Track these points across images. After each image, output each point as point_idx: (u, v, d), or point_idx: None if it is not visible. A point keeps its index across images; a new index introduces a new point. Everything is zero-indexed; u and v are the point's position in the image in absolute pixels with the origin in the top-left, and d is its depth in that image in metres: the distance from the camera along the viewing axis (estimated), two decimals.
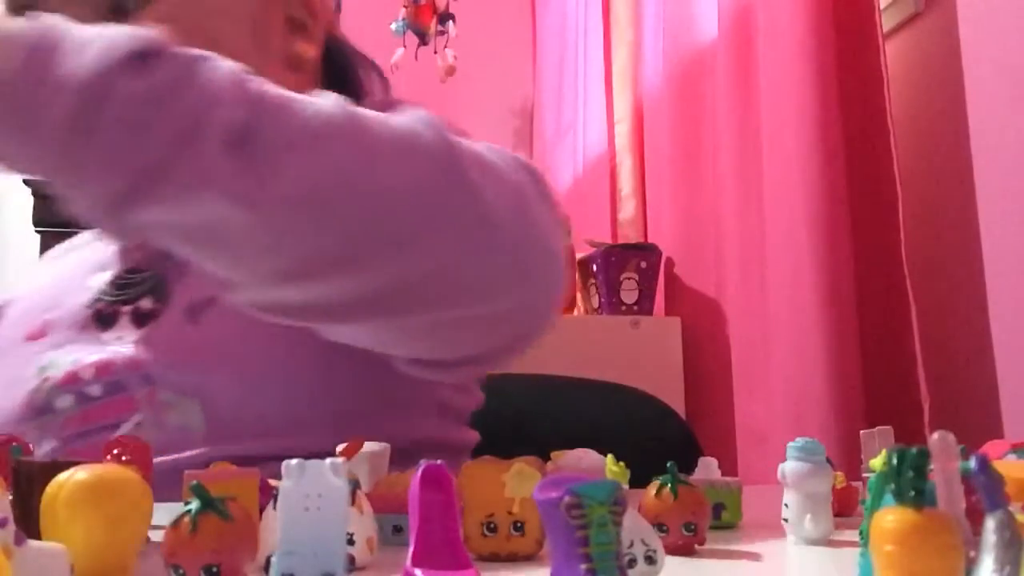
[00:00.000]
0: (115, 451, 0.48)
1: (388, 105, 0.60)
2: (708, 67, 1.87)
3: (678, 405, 1.73)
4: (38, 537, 0.34)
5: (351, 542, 0.40)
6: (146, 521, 0.37)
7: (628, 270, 1.98)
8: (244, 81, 0.52)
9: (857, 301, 1.36)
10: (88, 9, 0.65)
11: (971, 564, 0.29)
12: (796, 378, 1.40)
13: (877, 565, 0.29)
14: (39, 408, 0.68)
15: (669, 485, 0.46)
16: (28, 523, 0.37)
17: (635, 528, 0.39)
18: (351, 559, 0.40)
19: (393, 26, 2.14)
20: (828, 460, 0.51)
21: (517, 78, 2.96)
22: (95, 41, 0.49)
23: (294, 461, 0.30)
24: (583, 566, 0.28)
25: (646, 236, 2.19)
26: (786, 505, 0.51)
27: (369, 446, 0.52)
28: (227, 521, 0.32)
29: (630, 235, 2.20)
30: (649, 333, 1.93)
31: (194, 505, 0.32)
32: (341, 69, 0.84)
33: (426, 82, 2.04)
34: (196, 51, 0.52)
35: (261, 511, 0.41)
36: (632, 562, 0.38)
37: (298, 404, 0.66)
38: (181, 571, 0.32)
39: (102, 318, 0.73)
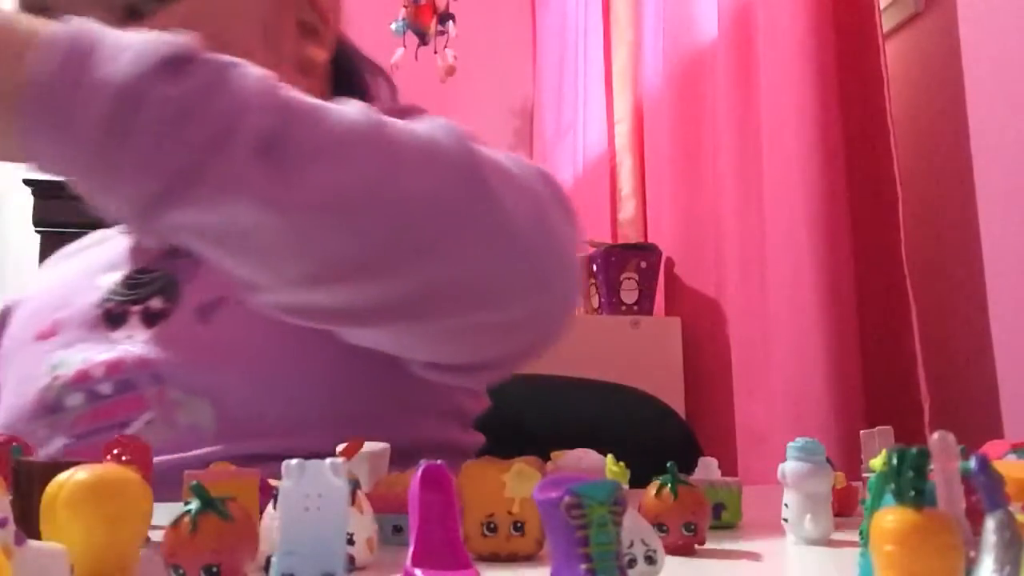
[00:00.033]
0: (115, 451, 0.48)
1: (403, 111, 0.61)
2: (708, 67, 1.87)
3: (678, 405, 1.73)
4: (38, 537, 0.34)
5: (351, 542, 0.40)
6: (146, 521, 0.37)
7: (628, 270, 1.98)
8: (273, 88, 0.53)
9: (857, 301, 1.36)
10: (102, 12, 0.65)
11: (971, 564, 0.29)
12: (796, 378, 1.40)
13: (877, 565, 0.29)
14: (49, 406, 0.69)
15: (669, 485, 0.46)
16: (28, 523, 0.37)
17: (635, 528, 0.39)
18: (351, 559, 0.40)
19: (393, 26, 2.14)
20: (828, 460, 0.51)
21: (517, 78, 2.96)
22: (130, 46, 0.50)
23: (294, 461, 0.30)
24: (583, 566, 0.28)
25: (646, 236, 2.19)
26: (786, 505, 0.51)
27: (369, 446, 0.52)
28: (227, 521, 0.32)
29: (630, 235, 2.20)
30: (649, 333, 1.93)
31: (194, 505, 0.32)
32: (348, 74, 0.85)
33: (426, 82, 2.04)
34: (226, 58, 0.53)
35: (261, 511, 0.41)
36: (632, 562, 0.38)
37: (308, 404, 0.67)
38: (181, 571, 0.32)
39: (112, 317, 0.73)
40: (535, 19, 2.98)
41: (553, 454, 0.54)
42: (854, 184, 1.39)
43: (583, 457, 0.53)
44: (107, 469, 0.36)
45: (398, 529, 0.48)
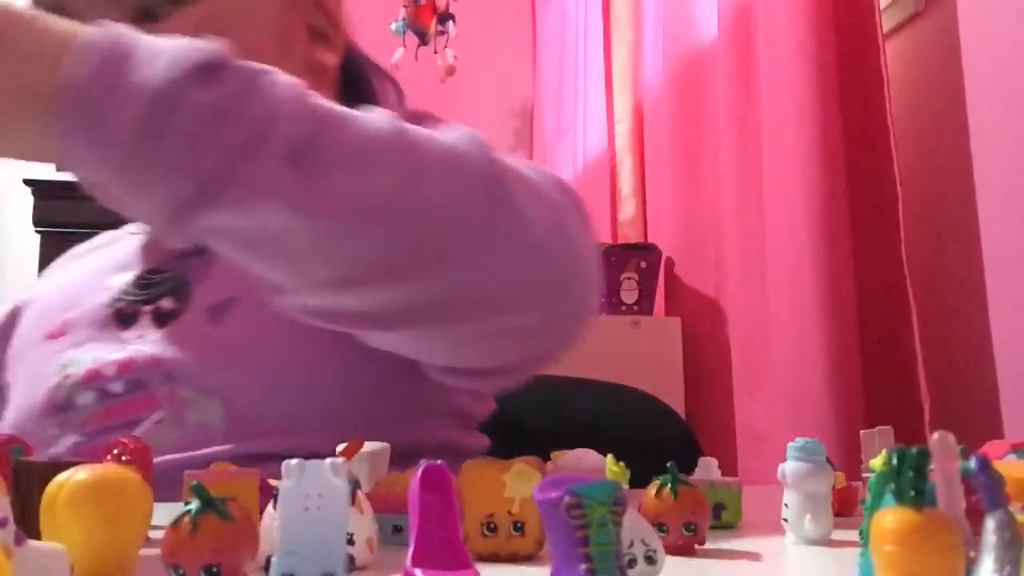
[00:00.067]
0: (115, 451, 0.48)
1: (417, 117, 0.62)
2: (708, 67, 1.87)
3: (678, 405, 1.73)
4: (38, 537, 0.34)
5: (351, 542, 0.40)
6: (146, 521, 0.37)
7: (628, 270, 1.98)
8: (303, 95, 0.54)
9: (857, 301, 1.36)
10: (116, 13, 0.66)
11: (971, 564, 0.29)
12: (796, 378, 1.40)
13: (877, 565, 0.29)
14: (60, 405, 0.69)
15: (669, 485, 0.46)
16: (28, 523, 0.37)
17: (635, 528, 0.39)
18: (351, 559, 0.40)
19: (393, 26, 2.14)
20: (828, 460, 0.51)
21: (517, 78, 2.96)
22: (164, 51, 0.51)
23: (294, 461, 0.30)
24: (583, 566, 0.28)
25: (646, 236, 2.19)
26: (786, 505, 0.51)
27: (369, 446, 0.52)
28: (227, 521, 0.32)
29: (630, 235, 2.20)
30: (649, 333, 1.93)
31: (194, 505, 0.32)
32: (356, 79, 0.85)
33: (426, 82, 2.04)
34: (257, 65, 0.54)
35: (261, 511, 0.41)
36: (632, 562, 0.38)
37: (317, 404, 0.67)
38: (181, 571, 0.32)
39: (122, 317, 0.74)
40: (535, 19, 2.98)
41: (553, 454, 0.54)
42: (854, 184, 1.39)
43: (583, 457, 0.53)
44: (107, 469, 0.36)
45: (398, 529, 0.48)
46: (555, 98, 2.72)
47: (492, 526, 0.43)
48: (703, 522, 0.46)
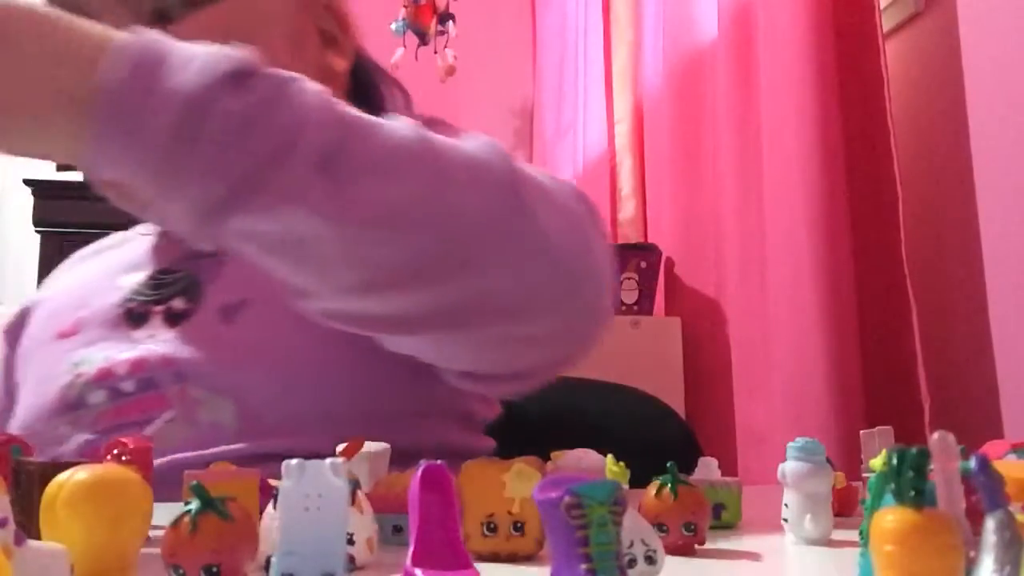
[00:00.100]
0: (115, 451, 0.48)
1: (429, 123, 0.63)
2: (708, 67, 1.87)
3: (678, 405, 1.73)
4: (38, 537, 0.34)
5: (351, 542, 0.40)
6: (146, 521, 0.37)
7: (628, 270, 1.98)
8: (330, 103, 0.55)
9: (857, 301, 1.36)
10: (130, 14, 0.67)
11: (971, 564, 0.29)
12: (796, 378, 1.40)
13: (877, 565, 0.29)
14: (72, 403, 0.70)
15: (669, 485, 0.46)
16: (28, 523, 0.37)
17: (635, 528, 0.39)
18: (351, 559, 0.40)
19: (393, 26, 2.14)
20: (828, 460, 0.51)
21: (517, 78, 2.96)
22: (196, 58, 0.52)
23: (294, 461, 0.30)
24: (583, 566, 0.28)
25: (646, 236, 2.19)
26: (786, 505, 0.51)
27: (369, 446, 0.52)
28: (227, 521, 0.32)
29: (630, 235, 2.20)
30: (649, 333, 1.93)
31: (194, 505, 0.32)
32: (364, 84, 0.86)
33: (426, 82, 2.04)
34: (285, 72, 0.55)
35: (261, 511, 0.41)
36: (632, 562, 0.39)
37: (331, 404, 0.68)
38: (181, 571, 0.32)
39: (134, 317, 0.74)
40: (535, 19, 2.98)
41: (553, 454, 0.54)
42: (854, 184, 1.39)
43: (583, 457, 0.53)
44: (107, 469, 0.36)
45: (398, 529, 0.48)
46: (555, 98, 2.72)
47: (492, 526, 0.43)
48: (703, 522, 0.46)
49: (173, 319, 0.73)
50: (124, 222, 0.87)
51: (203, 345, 0.69)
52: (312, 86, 0.55)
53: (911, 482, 0.29)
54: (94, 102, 0.50)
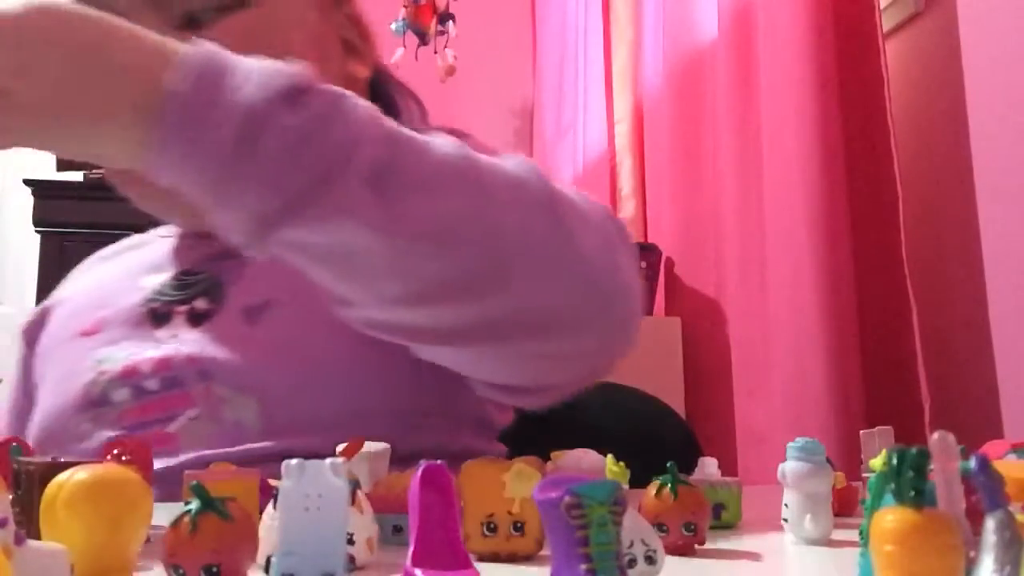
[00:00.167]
0: (115, 451, 0.48)
1: (456, 135, 0.64)
2: (708, 67, 1.87)
3: (678, 405, 1.73)
4: (38, 537, 0.34)
5: (351, 542, 0.40)
6: (146, 521, 0.37)
7: None
8: (380, 119, 0.57)
9: (857, 301, 1.36)
10: (161, 20, 0.67)
11: (971, 564, 0.29)
12: (796, 378, 1.40)
13: (877, 565, 0.29)
14: (95, 400, 0.70)
15: (669, 485, 0.46)
16: (28, 523, 0.37)
17: (635, 528, 0.39)
18: (351, 559, 0.40)
19: (393, 26, 2.14)
20: (828, 460, 0.51)
21: (517, 78, 2.96)
22: (255, 72, 0.53)
23: (294, 461, 0.30)
24: (583, 566, 0.28)
25: (646, 236, 2.19)
26: (786, 505, 0.51)
27: (369, 446, 0.52)
28: (227, 521, 0.32)
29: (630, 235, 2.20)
30: (649, 333, 1.92)
31: (194, 505, 0.32)
32: (380, 95, 0.86)
33: (426, 82, 2.04)
34: (337, 89, 0.56)
35: (261, 511, 0.41)
36: (632, 562, 0.39)
37: (355, 403, 0.68)
38: (181, 571, 0.32)
39: (157, 316, 0.75)
40: (535, 19, 2.97)
41: (553, 454, 0.54)
42: (854, 184, 1.39)
43: (583, 457, 0.53)
44: (107, 469, 0.36)
45: (398, 529, 0.48)
46: (555, 98, 2.71)
47: (492, 526, 0.43)
48: (703, 522, 0.46)
49: (196, 319, 0.73)
50: (124, 222, 0.87)
51: (227, 344, 0.70)
52: (362, 102, 0.57)
53: (911, 482, 0.29)
54: (161, 110, 0.51)
